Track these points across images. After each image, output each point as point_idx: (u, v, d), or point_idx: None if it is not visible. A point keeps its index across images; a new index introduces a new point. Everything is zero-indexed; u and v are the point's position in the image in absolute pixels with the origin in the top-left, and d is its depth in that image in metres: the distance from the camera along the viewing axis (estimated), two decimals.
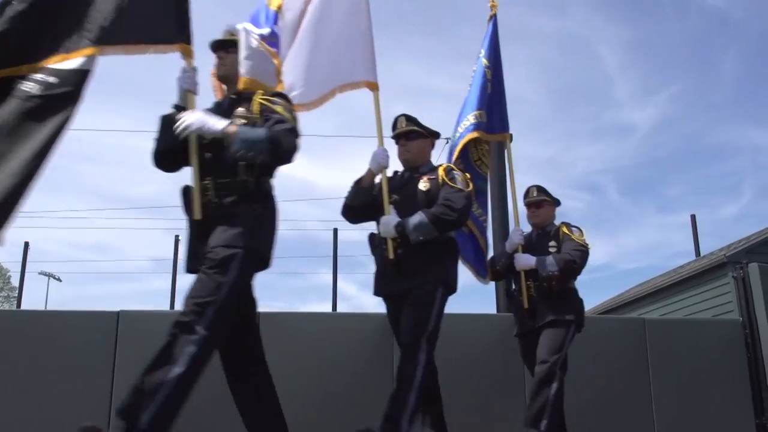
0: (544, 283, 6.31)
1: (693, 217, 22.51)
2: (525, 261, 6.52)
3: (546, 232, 6.75)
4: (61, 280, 45.35)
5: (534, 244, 6.71)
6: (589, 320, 9.02)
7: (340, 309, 21.27)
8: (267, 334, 7.40)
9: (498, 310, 10.39)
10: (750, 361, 7.87)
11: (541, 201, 6.80)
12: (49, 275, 43.73)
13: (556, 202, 6.90)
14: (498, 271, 7.01)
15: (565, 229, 6.59)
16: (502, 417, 7.34)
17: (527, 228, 6.99)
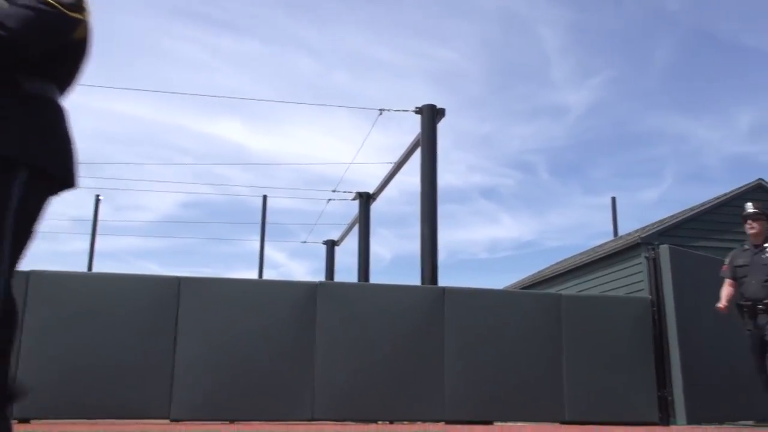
0: None
1: (613, 200, 23.35)
2: None
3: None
4: None
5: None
6: (510, 295, 9.34)
7: (267, 277, 21.26)
8: (192, 300, 7.44)
9: (423, 282, 10.58)
10: (656, 337, 8.29)
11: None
12: None
13: None
14: None
15: None
16: (423, 377, 7.58)
17: None
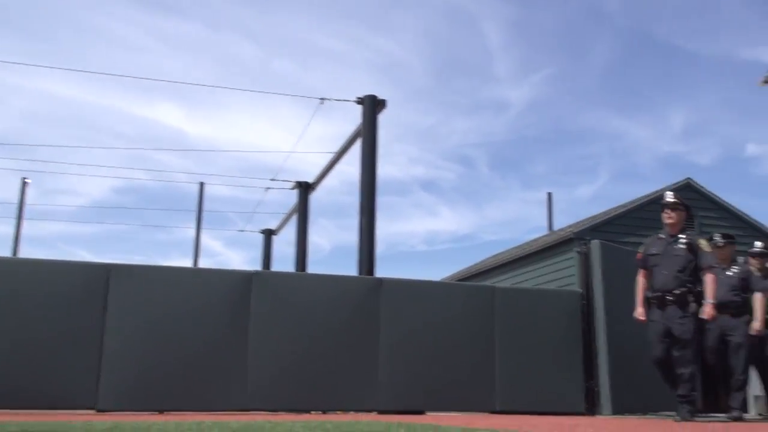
0: None
1: (549, 195, 23.89)
2: None
3: None
4: None
5: None
6: (445, 286, 9.44)
7: (203, 265, 20.93)
8: (122, 287, 7.26)
9: (360, 272, 10.59)
10: (584, 330, 8.51)
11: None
12: None
13: None
14: None
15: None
16: (357, 367, 7.60)
17: None
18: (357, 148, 11.46)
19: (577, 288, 8.88)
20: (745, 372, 7.09)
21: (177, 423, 4.09)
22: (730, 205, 14.88)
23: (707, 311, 6.05)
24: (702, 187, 14.81)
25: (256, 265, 20.48)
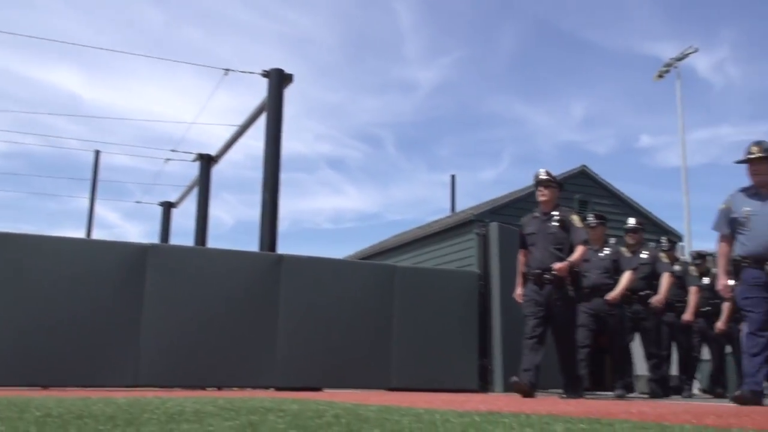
0: None
1: (453, 177, 24.37)
2: None
3: None
4: None
5: None
6: (346, 264, 9.44)
7: (98, 237, 20.11)
8: (4, 258, 6.85)
9: (261, 248, 10.44)
10: (481, 310, 8.72)
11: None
12: None
13: None
14: None
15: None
16: (255, 344, 7.50)
17: None
18: (262, 122, 11.25)
19: (475, 269, 9.07)
20: (624, 352, 7.32)
21: (59, 399, 3.91)
22: (622, 193, 15.57)
23: (559, 266, 6.13)
24: (596, 175, 15.42)
25: (154, 239, 19.86)
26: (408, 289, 8.45)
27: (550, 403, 4.63)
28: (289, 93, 11.24)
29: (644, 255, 7.84)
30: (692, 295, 8.40)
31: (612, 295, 7.09)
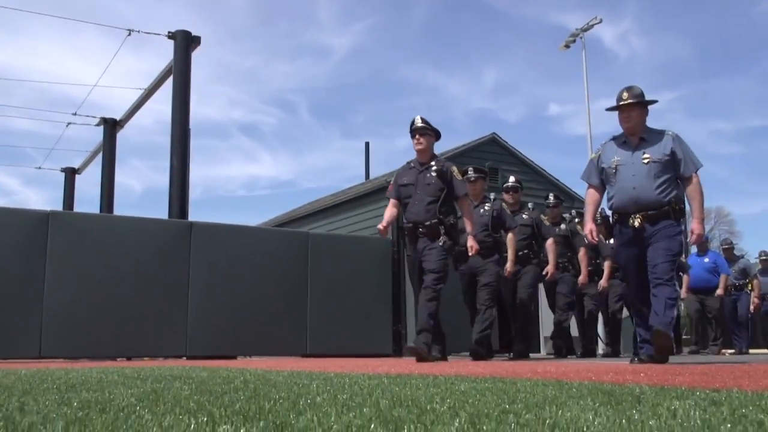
0: None
1: (367, 144, 24.35)
2: None
3: None
4: None
5: None
6: (259, 231, 9.33)
7: None
8: None
9: (170, 216, 10.17)
10: (395, 276, 8.82)
11: None
12: None
13: None
14: None
15: None
16: (165, 313, 7.35)
17: None
18: (169, 85, 10.87)
19: (388, 235, 9.13)
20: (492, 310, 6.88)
21: None
22: (531, 160, 15.97)
23: (472, 245, 5.95)
24: (506, 142, 15.72)
25: (58, 206, 19.03)
26: (322, 256, 8.43)
27: (459, 366, 4.75)
28: (199, 56, 10.94)
29: (525, 216, 7.69)
30: (582, 257, 8.24)
31: (509, 268, 6.96)
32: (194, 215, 10.32)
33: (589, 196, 5.35)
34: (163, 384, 2.41)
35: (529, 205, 8.06)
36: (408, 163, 6.25)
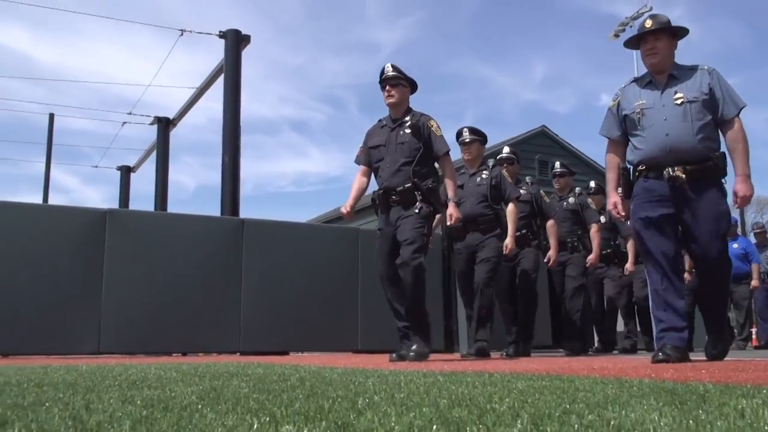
0: None
1: None
2: None
3: None
4: None
5: None
6: (310, 228, 9.44)
7: (56, 202, 19.70)
8: None
9: (222, 213, 10.34)
10: (445, 271, 8.78)
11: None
12: None
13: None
14: None
15: None
16: (219, 309, 7.46)
17: None
18: (221, 83, 11.04)
19: (440, 231, 9.09)
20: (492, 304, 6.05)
21: (19, 367, 3.84)
22: (580, 151, 15.73)
23: (452, 213, 5.00)
24: (555, 134, 15.52)
25: (114, 204, 19.52)
26: (372, 253, 8.39)
27: (513, 363, 4.71)
28: (248, 54, 11.06)
29: (523, 191, 6.59)
30: (594, 234, 7.35)
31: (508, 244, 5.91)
32: (245, 211, 10.48)
33: (610, 158, 4.35)
34: (222, 381, 2.45)
35: (527, 179, 7.21)
36: (379, 121, 5.33)
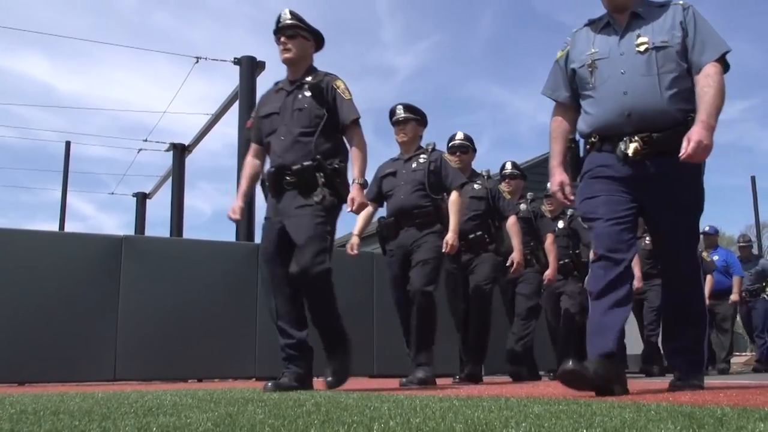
0: None
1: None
2: None
3: None
4: None
5: None
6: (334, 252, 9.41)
7: (72, 229, 19.86)
8: None
9: (237, 238, 10.37)
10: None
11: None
12: None
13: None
14: None
15: None
16: (234, 335, 7.46)
17: None
18: (236, 109, 11.15)
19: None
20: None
21: (35, 395, 3.86)
22: None
23: (354, 197, 3.93)
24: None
25: (130, 231, 19.65)
26: (386, 278, 8.41)
27: (530, 387, 4.67)
28: (263, 80, 11.17)
29: (477, 186, 5.84)
30: (549, 246, 6.41)
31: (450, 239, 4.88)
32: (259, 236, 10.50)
33: (556, 124, 3.38)
34: (237, 407, 2.44)
35: (483, 172, 6.06)
36: (275, 84, 4.27)
